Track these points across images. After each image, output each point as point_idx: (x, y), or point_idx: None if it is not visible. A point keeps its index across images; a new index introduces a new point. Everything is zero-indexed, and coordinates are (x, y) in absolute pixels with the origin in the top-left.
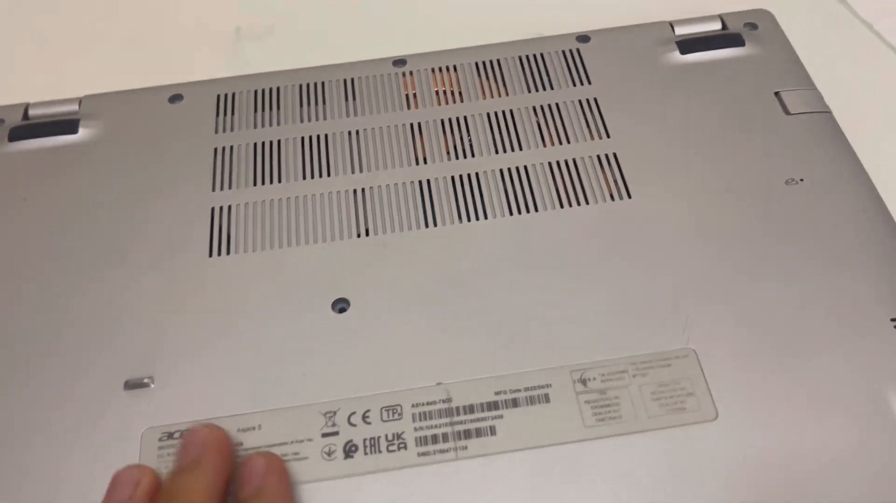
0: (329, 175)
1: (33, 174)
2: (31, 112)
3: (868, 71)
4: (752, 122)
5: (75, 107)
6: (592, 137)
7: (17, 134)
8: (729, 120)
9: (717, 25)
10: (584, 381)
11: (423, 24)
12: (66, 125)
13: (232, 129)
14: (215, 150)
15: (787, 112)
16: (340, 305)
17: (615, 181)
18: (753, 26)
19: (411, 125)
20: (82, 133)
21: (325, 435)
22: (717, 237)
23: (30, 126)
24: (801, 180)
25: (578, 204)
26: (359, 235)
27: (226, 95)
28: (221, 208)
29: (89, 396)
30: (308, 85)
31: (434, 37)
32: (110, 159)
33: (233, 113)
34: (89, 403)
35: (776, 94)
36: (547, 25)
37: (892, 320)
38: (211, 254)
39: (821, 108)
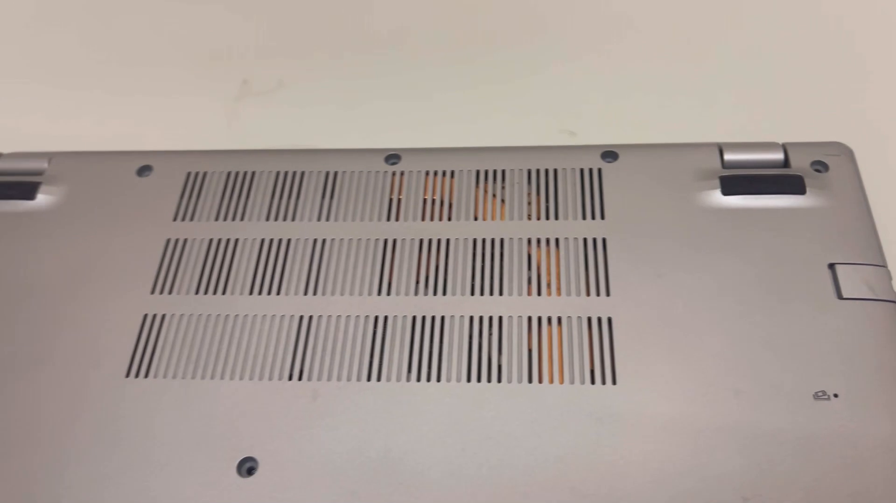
0: (279, 293)
1: None
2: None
3: None
4: (791, 303)
5: (44, 164)
6: (588, 292)
7: None
8: (762, 296)
9: (777, 156)
10: None
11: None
12: (24, 189)
13: (192, 218)
14: (167, 241)
15: (839, 295)
16: (249, 465)
17: (601, 357)
18: (823, 166)
19: (385, 242)
20: (40, 199)
21: None
22: (708, 460)
23: None
24: (835, 395)
25: (551, 381)
26: (290, 377)
27: (196, 175)
28: (154, 317)
29: None
30: (286, 174)
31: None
32: (58, 236)
33: (198, 196)
34: None
35: (830, 266)
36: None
37: None
38: (128, 374)
39: (884, 295)
